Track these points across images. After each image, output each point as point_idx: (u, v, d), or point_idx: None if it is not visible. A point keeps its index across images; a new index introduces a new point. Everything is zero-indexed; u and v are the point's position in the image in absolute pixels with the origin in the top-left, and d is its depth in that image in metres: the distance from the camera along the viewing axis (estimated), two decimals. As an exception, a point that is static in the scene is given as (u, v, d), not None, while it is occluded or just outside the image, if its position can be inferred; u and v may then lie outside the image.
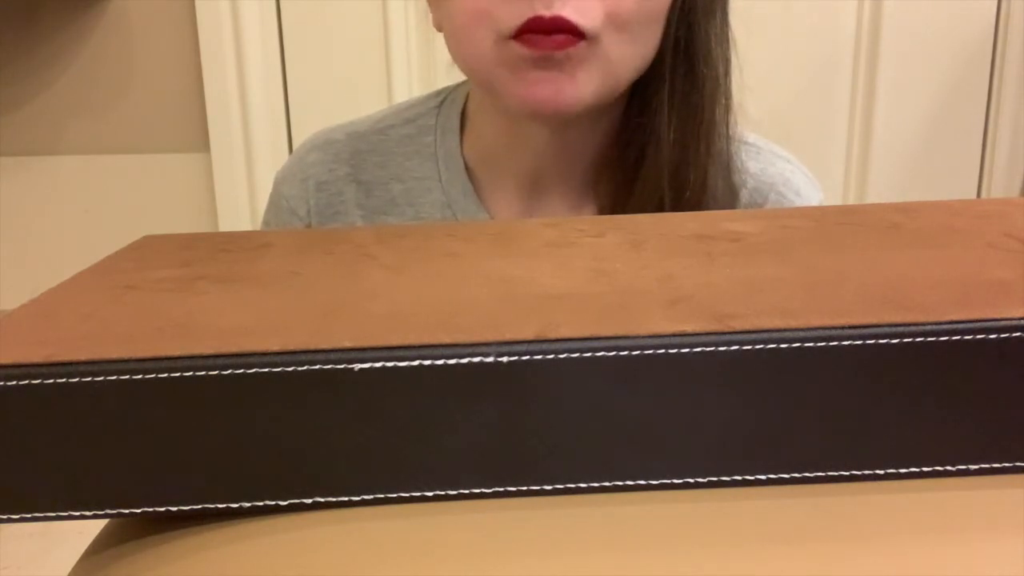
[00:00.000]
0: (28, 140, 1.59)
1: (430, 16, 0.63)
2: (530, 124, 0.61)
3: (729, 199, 0.61)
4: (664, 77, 0.58)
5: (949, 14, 1.54)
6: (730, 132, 0.61)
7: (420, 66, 1.54)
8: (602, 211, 0.64)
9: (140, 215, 1.60)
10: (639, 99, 0.60)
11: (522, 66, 0.54)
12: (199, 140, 1.58)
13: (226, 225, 1.59)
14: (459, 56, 0.59)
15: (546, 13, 0.52)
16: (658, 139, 0.59)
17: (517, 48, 0.53)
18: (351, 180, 0.68)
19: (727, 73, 0.60)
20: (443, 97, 0.70)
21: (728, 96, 0.61)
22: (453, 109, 0.68)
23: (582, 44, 0.53)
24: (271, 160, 1.58)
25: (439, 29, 0.61)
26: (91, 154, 1.59)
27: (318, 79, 1.56)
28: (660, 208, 0.59)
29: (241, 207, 1.59)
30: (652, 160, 0.59)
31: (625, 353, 0.23)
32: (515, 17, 0.52)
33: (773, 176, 0.65)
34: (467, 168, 0.66)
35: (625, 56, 0.56)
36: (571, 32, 0.52)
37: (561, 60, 0.53)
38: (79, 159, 1.59)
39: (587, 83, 0.55)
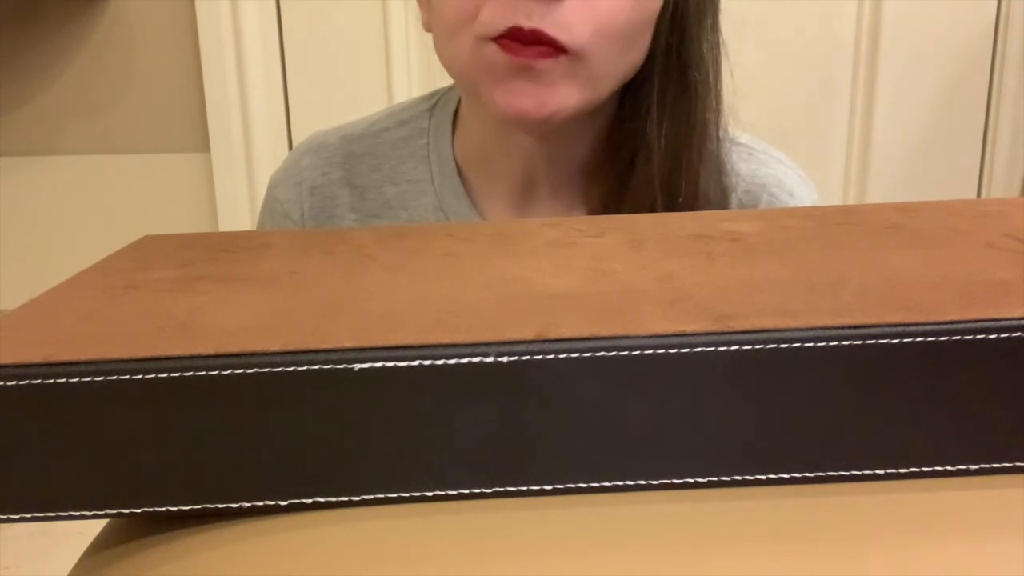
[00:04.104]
0: (28, 140, 1.59)
1: (420, 17, 0.63)
2: (517, 129, 0.61)
3: (721, 201, 0.61)
4: (654, 82, 0.58)
5: (949, 15, 1.54)
6: (720, 135, 0.61)
7: (420, 66, 1.54)
8: (594, 215, 0.64)
9: (140, 215, 1.60)
10: (630, 103, 0.60)
11: (501, 72, 0.54)
12: (199, 140, 1.58)
13: (226, 225, 1.59)
14: (443, 57, 0.59)
15: (526, 25, 0.52)
16: (649, 144, 0.59)
17: (494, 52, 0.53)
18: (345, 184, 0.68)
19: (718, 77, 0.60)
20: (436, 100, 0.70)
21: (719, 99, 0.61)
22: (445, 111, 0.68)
23: (563, 58, 0.53)
24: (271, 160, 1.58)
25: (428, 30, 0.61)
26: (91, 154, 1.59)
27: (318, 79, 1.56)
28: (652, 211, 0.59)
29: (241, 207, 1.59)
30: (643, 165, 0.59)
31: (625, 353, 0.23)
32: (497, 22, 0.52)
33: (766, 177, 0.65)
34: (459, 171, 0.66)
35: (611, 68, 0.56)
36: (551, 45, 0.52)
37: (542, 71, 0.53)
38: (79, 159, 1.59)
39: (569, 95, 0.54)
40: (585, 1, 0.52)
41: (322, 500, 0.24)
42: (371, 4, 1.53)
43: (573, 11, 0.52)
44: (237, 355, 0.23)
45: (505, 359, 0.23)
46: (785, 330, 0.23)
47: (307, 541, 0.23)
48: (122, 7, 1.54)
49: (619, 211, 0.61)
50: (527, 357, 0.23)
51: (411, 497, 0.24)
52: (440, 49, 0.59)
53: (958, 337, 0.23)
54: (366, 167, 0.68)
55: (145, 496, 0.23)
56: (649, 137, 0.59)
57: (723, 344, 0.23)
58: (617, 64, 0.56)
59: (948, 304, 0.24)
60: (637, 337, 0.23)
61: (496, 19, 0.52)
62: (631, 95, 0.60)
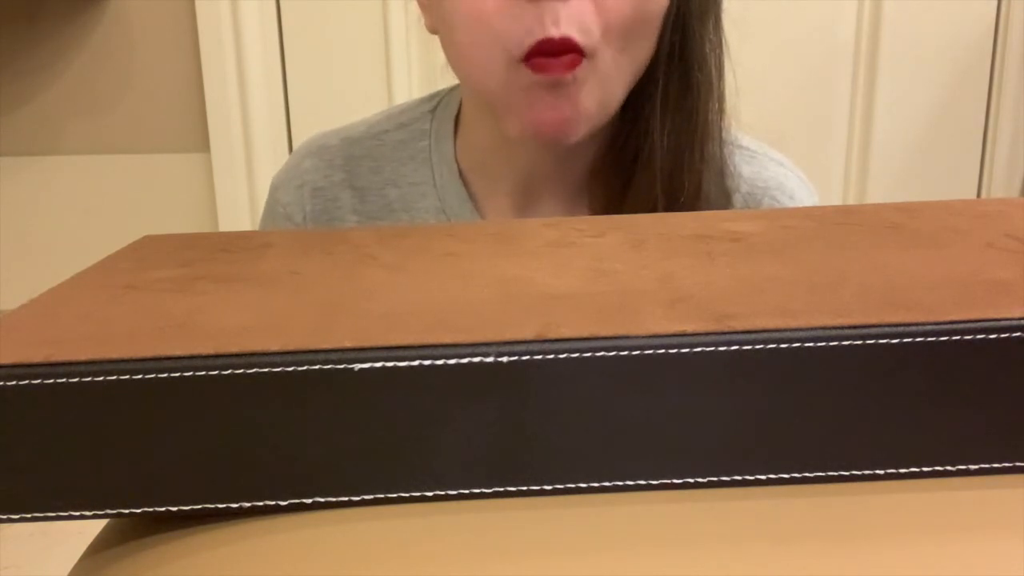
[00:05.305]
0: (28, 140, 1.59)
1: (423, 19, 0.62)
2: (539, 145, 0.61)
3: (723, 203, 0.61)
4: (658, 82, 0.58)
5: (949, 15, 1.54)
6: (723, 136, 0.61)
7: (420, 67, 1.54)
8: (596, 215, 0.64)
9: (140, 215, 1.60)
10: (633, 104, 0.60)
11: (534, 91, 0.54)
12: (199, 140, 1.58)
13: (226, 225, 1.59)
14: (465, 73, 0.58)
15: (555, 34, 0.51)
16: (651, 144, 0.59)
17: (528, 74, 0.53)
18: (346, 186, 0.68)
19: (720, 77, 0.60)
20: (437, 101, 0.70)
21: (721, 100, 0.61)
22: (447, 113, 0.68)
23: (584, 63, 0.53)
24: (271, 160, 1.58)
25: (434, 32, 0.60)
26: (91, 154, 1.59)
27: (318, 79, 1.56)
28: (654, 212, 0.59)
29: (241, 207, 1.59)
30: (645, 166, 0.59)
31: (625, 353, 0.23)
32: (523, 35, 0.52)
33: (767, 180, 0.65)
34: (461, 173, 0.66)
35: (620, 68, 0.56)
36: (576, 52, 0.52)
37: (567, 83, 0.53)
38: (79, 159, 1.59)
39: (588, 104, 0.54)
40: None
41: (322, 500, 0.24)
42: (371, 4, 1.53)
43: (582, 5, 0.52)
44: (237, 355, 0.23)
45: (505, 359, 0.23)
46: (785, 330, 0.23)
47: (307, 541, 0.23)
48: (122, 7, 1.54)
49: (621, 212, 0.61)
50: (527, 357, 0.23)
51: (411, 497, 0.24)
52: (458, 62, 0.58)
53: (958, 337, 0.23)
54: (367, 169, 0.68)
55: (145, 496, 0.23)
56: (652, 137, 0.59)
57: (723, 344, 0.23)
58: (624, 66, 0.56)
59: (948, 304, 0.24)
60: (637, 337, 0.23)
61: (523, 33, 0.52)
62: (634, 96, 0.60)
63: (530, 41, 0.52)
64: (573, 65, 0.52)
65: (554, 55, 0.52)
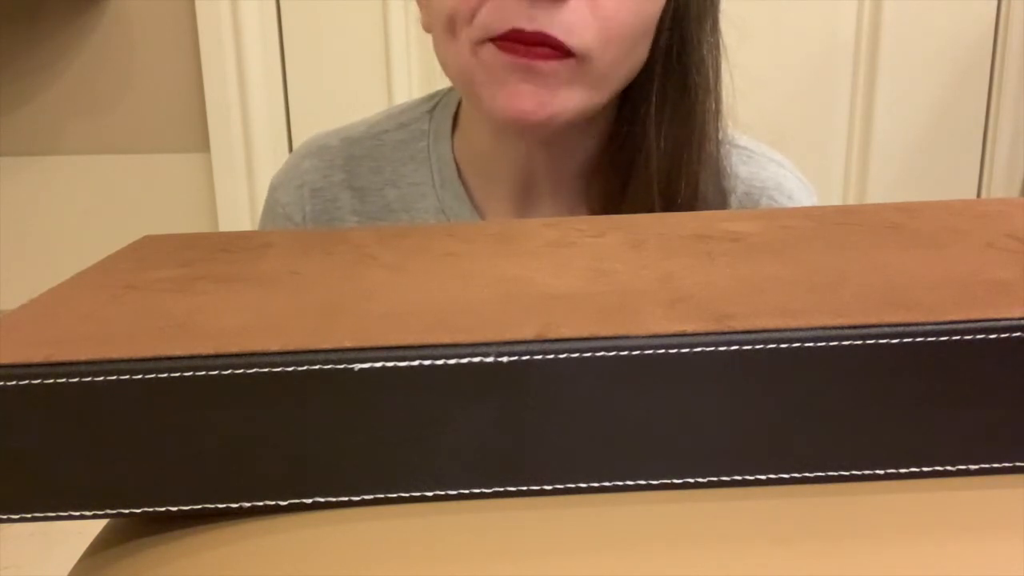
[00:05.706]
0: (28, 140, 1.59)
1: (420, 17, 0.62)
2: (516, 134, 0.61)
3: (720, 203, 0.61)
4: (655, 84, 0.58)
5: (949, 14, 1.54)
6: (720, 137, 0.61)
7: (420, 67, 1.54)
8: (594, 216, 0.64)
9: (140, 215, 1.60)
10: (630, 106, 0.60)
11: (500, 73, 0.53)
12: (199, 140, 1.58)
13: (226, 225, 1.59)
14: (441, 59, 0.58)
15: (527, 27, 0.51)
16: (648, 146, 0.59)
17: (492, 53, 0.52)
18: (346, 186, 0.68)
19: (717, 79, 0.60)
20: (435, 101, 0.70)
21: (719, 101, 0.60)
22: (445, 113, 0.68)
23: (570, 62, 0.52)
24: (271, 160, 1.58)
25: (428, 30, 0.61)
26: (91, 154, 1.59)
27: (318, 79, 1.56)
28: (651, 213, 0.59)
29: (241, 207, 1.59)
30: (642, 167, 0.59)
31: (625, 353, 0.23)
32: (496, 24, 0.51)
33: (765, 180, 0.65)
34: (460, 173, 0.66)
35: (614, 71, 0.55)
36: (555, 47, 0.51)
37: (546, 73, 0.52)
38: (79, 159, 1.59)
39: (570, 98, 0.54)
40: (590, 2, 0.52)
41: (322, 500, 0.24)
42: (371, 4, 1.53)
43: (577, 13, 0.52)
44: (237, 355, 0.23)
45: (505, 359, 0.23)
46: (785, 330, 0.23)
47: (307, 541, 0.23)
48: (122, 7, 1.54)
49: (619, 212, 0.61)
50: (527, 357, 0.23)
51: (411, 497, 0.24)
52: (438, 50, 0.58)
53: (958, 337, 0.23)
54: (367, 169, 0.68)
55: (145, 496, 0.23)
56: (649, 139, 0.59)
57: (723, 344, 0.23)
58: (621, 66, 0.56)
59: (948, 304, 0.24)
60: (637, 337, 0.23)
61: (495, 21, 0.52)
62: (631, 97, 0.60)
63: (501, 29, 0.51)
64: (547, 57, 0.52)
65: (526, 44, 0.52)
